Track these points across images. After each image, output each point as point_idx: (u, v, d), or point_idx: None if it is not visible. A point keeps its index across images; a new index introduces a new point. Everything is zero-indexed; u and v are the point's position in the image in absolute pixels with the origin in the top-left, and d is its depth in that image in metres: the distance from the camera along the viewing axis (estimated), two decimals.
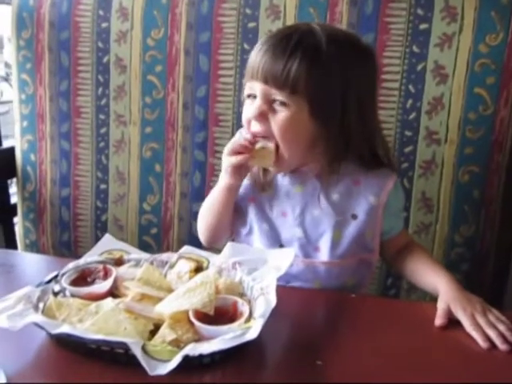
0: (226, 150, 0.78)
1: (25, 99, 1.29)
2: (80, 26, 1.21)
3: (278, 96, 0.72)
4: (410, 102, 1.06)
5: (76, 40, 1.22)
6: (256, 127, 0.75)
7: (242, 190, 0.85)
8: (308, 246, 0.81)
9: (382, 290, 1.15)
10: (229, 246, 0.75)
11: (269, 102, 0.74)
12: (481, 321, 0.64)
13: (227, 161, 0.77)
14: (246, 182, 0.84)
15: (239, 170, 0.79)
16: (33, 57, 1.26)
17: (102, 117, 1.23)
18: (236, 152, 0.76)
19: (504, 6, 1.00)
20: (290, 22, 1.09)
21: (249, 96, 0.77)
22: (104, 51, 1.20)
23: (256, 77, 0.73)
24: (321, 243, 0.80)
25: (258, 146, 0.76)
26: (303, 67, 0.70)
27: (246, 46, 1.12)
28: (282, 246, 0.82)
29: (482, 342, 0.62)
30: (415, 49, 1.04)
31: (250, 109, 0.76)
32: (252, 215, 0.84)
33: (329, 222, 0.79)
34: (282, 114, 0.73)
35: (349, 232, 0.79)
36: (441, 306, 0.69)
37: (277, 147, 0.75)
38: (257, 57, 0.74)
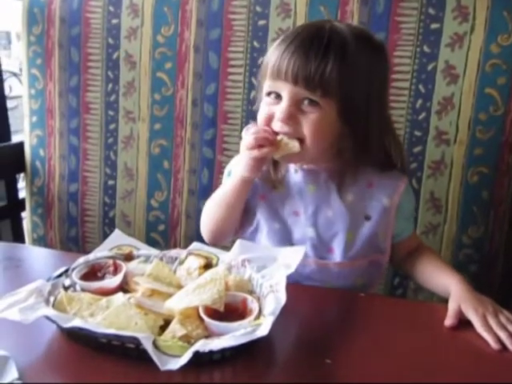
0: (247, 143, 0.74)
1: (34, 94, 1.29)
2: (90, 22, 1.21)
3: (310, 97, 0.71)
4: (419, 101, 1.06)
5: (86, 36, 1.22)
6: (282, 128, 0.73)
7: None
8: (320, 247, 0.80)
9: (389, 290, 1.15)
10: (238, 244, 0.75)
11: (297, 103, 0.72)
12: (492, 322, 0.64)
13: (248, 154, 0.74)
14: (255, 179, 0.83)
15: (260, 164, 0.77)
16: (43, 52, 1.26)
17: (111, 113, 1.24)
18: (258, 145, 0.74)
19: None
20: (301, 20, 1.09)
21: (269, 94, 0.75)
22: (114, 47, 1.21)
23: (284, 77, 0.71)
24: (334, 244, 0.80)
25: (280, 139, 0.74)
26: (335, 68, 0.69)
27: (255, 43, 1.12)
28: (292, 245, 0.81)
29: (493, 344, 0.61)
30: (426, 48, 1.04)
31: (274, 109, 0.74)
32: (262, 213, 0.83)
33: (342, 223, 0.79)
34: (313, 116, 0.72)
35: (362, 233, 0.79)
36: (452, 306, 0.68)
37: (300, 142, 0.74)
38: (282, 56, 0.72)
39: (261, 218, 0.83)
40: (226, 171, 0.91)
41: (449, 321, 0.66)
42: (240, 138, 1.15)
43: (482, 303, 0.68)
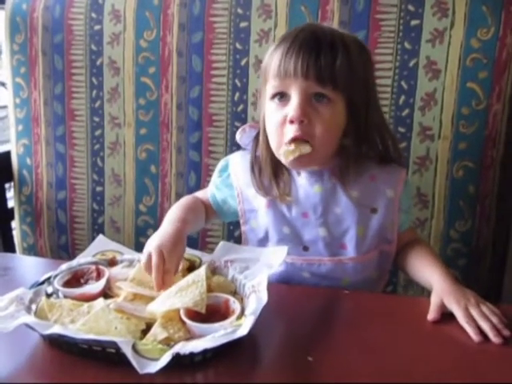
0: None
1: (19, 103, 1.29)
2: (73, 29, 1.21)
3: (321, 91, 0.72)
4: (402, 98, 1.06)
5: (69, 43, 1.22)
6: (297, 131, 0.72)
7: (251, 200, 0.83)
8: (333, 245, 0.81)
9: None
10: (221, 245, 0.75)
11: (307, 99, 0.72)
12: (474, 313, 0.64)
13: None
14: (253, 192, 0.82)
15: None
16: (27, 61, 1.26)
17: (96, 119, 1.24)
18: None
19: (495, 0, 1.00)
20: (282, 20, 1.09)
21: (274, 96, 0.75)
22: (97, 54, 1.21)
23: (293, 73, 0.71)
24: (346, 240, 0.80)
25: (293, 150, 0.73)
26: (343, 63, 0.71)
27: (238, 45, 1.12)
28: (305, 247, 0.81)
29: (474, 336, 0.62)
30: (407, 45, 1.04)
31: (284, 112, 0.73)
32: (269, 220, 0.81)
33: (351, 219, 0.79)
34: (325, 110, 0.73)
35: (372, 226, 0.80)
36: (434, 300, 0.69)
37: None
38: (287, 55, 0.72)
39: (269, 226, 0.82)
40: (219, 167, 0.90)
41: (431, 315, 0.66)
42: (225, 140, 1.17)
43: (464, 295, 0.68)
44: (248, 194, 0.84)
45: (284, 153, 0.74)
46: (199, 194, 0.93)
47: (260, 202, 0.82)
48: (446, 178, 1.07)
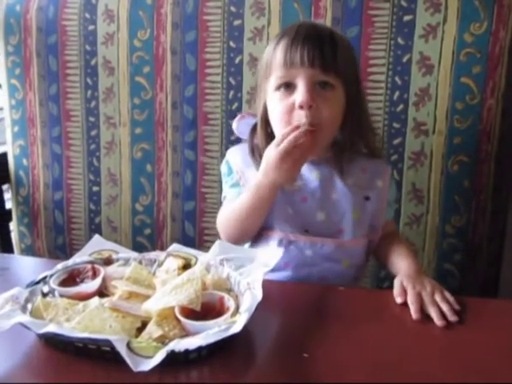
0: (285, 148, 0.73)
1: (15, 104, 1.29)
2: (67, 29, 1.21)
3: (325, 79, 0.76)
4: (396, 93, 1.07)
5: (63, 44, 1.22)
6: (305, 116, 0.75)
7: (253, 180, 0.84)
8: (331, 228, 0.83)
9: (376, 283, 1.15)
10: (217, 244, 0.75)
11: (312, 87, 0.76)
12: (426, 299, 0.67)
13: (288, 159, 0.73)
14: (254, 172, 0.83)
15: (302, 164, 0.78)
16: (21, 62, 1.26)
17: (91, 119, 1.24)
18: (295, 146, 0.73)
19: None
20: (275, 18, 1.09)
21: (280, 86, 0.78)
22: (91, 54, 1.21)
23: (299, 62, 0.75)
24: (343, 224, 0.83)
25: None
26: (343, 53, 0.78)
27: (231, 43, 1.12)
28: (306, 231, 0.83)
29: (413, 313, 0.65)
30: (400, 41, 1.04)
31: (290, 100, 0.77)
32: (277, 200, 0.82)
33: (347, 204, 0.83)
34: (331, 95, 0.77)
35: (366, 212, 0.84)
36: (396, 282, 0.72)
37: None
38: (291, 46, 0.76)
39: (275, 205, 0.82)
40: (224, 168, 0.91)
41: (398, 299, 0.69)
42: (221, 138, 1.17)
43: (421, 282, 0.71)
44: (249, 174, 0.85)
45: None
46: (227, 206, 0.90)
47: None
48: (441, 172, 1.08)
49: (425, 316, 0.66)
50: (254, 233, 0.84)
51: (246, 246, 0.87)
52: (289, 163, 0.74)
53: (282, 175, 0.75)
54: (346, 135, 0.83)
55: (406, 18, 1.03)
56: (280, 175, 0.75)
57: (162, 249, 1.19)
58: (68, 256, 1.29)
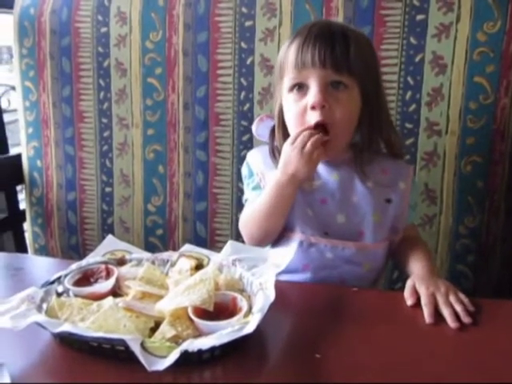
0: (303, 143, 0.75)
1: (29, 106, 1.31)
2: (80, 31, 1.23)
3: (337, 79, 0.75)
4: (409, 93, 1.06)
5: (77, 46, 1.23)
6: (319, 117, 0.75)
7: None
8: (352, 231, 0.82)
9: (388, 284, 1.14)
10: (229, 244, 0.75)
11: (325, 87, 0.76)
12: (440, 300, 0.66)
13: (308, 155, 0.75)
14: None
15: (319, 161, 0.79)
16: (35, 64, 1.28)
17: (104, 120, 1.25)
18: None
19: None
20: (287, 18, 1.09)
21: (293, 87, 0.78)
22: (104, 56, 1.22)
23: (311, 63, 0.75)
24: (363, 227, 0.82)
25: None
26: (357, 52, 0.76)
27: (243, 44, 1.12)
28: (326, 233, 0.82)
29: (427, 317, 0.64)
30: (412, 40, 1.04)
31: (303, 102, 0.77)
32: (297, 202, 0.82)
33: (368, 207, 0.82)
34: (344, 96, 0.76)
35: (387, 215, 0.83)
36: (408, 283, 0.71)
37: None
38: (303, 47, 0.76)
39: (294, 207, 0.82)
40: (244, 171, 0.91)
41: (409, 301, 0.68)
42: (232, 139, 1.17)
43: (435, 283, 0.70)
44: (270, 176, 0.84)
45: None
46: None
47: None
48: (454, 173, 1.07)
49: (437, 317, 0.65)
50: (277, 233, 0.84)
51: (267, 247, 0.86)
52: (305, 158, 0.75)
53: (300, 170, 0.76)
54: (364, 135, 0.81)
55: (419, 17, 1.03)
56: (298, 170, 0.76)
57: (174, 249, 1.20)
58: (81, 256, 1.31)
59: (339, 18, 1.06)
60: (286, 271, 0.67)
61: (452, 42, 1.02)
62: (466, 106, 1.04)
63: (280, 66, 0.82)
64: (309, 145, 0.75)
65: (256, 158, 0.89)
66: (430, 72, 1.04)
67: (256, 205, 0.83)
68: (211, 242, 1.22)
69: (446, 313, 0.64)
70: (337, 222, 0.82)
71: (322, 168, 0.83)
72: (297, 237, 0.83)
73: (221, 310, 0.61)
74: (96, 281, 0.69)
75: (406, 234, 0.87)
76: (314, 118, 0.76)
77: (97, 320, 0.55)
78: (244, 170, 0.92)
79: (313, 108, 0.76)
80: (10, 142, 1.41)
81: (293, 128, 0.80)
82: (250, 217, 0.84)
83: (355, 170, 0.82)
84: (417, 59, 1.04)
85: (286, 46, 0.81)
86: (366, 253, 0.82)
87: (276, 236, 0.84)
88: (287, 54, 0.79)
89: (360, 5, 1.05)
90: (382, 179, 0.83)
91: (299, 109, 0.77)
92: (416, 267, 0.79)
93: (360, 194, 0.82)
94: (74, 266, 0.71)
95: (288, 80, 0.79)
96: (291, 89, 0.79)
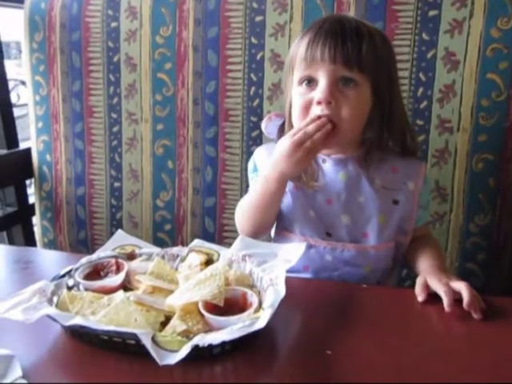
0: (298, 138, 0.73)
1: (39, 100, 1.31)
2: (90, 26, 1.22)
3: (347, 74, 0.74)
4: (420, 90, 1.05)
5: (87, 40, 1.23)
6: (323, 111, 0.74)
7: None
8: (355, 233, 0.82)
9: (397, 282, 1.14)
10: (239, 240, 0.75)
11: (334, 82, 0.74)
12: (454, 285, 0.66)
13: (299, 149, 0.73)
14: None
15: (313, 156, 0.77)
16: (45, 59, 1.28)
17: (114, 115, 1.25)
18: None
19: None
20: (298, 13, 1.09)
21: (302, 81, 0.77)
22: (114, 50, 1.22)
23: (320, 58, 0.74)
24: (368, 229, 0.81)
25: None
26: (369, 48, 0.74)
27: (253, 40, 1.12)
28: (328, 234, 0.82)
29: (447, 306, 0.64)
30: (425, 36, 1.03)
31: (310, 96, 0.76)
32: (297, 203, 0.82)
33: (374, 208, 0.81)
34: (352, 92, 0.75)
35: (393, 216, 0.81)
36: (418, 280, 0.71)
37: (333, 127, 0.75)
38: (314, 42, 0.75)
39: (296, 208, 0.83)
40: (250, 165, 0.92)
41: (419, 297, 0.68)
42: (241, 134, 1.17)
43: (446, 275, 0.70)
44: (264, 170, 0.84)
45: None
46: None
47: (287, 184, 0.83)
48: (465, 170, 1.06)
49: (448, 314, 0.65)
50: (268, 226, 0.84)
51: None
52: (300, 153, 0.73)
53: (291, 166, 0.74)
54: (375, 133, 0.79)
55: (431, 12, 1.01)
56: (289, 166, 0.74)
57: (183, 244, 1.20)
58: (90, 250, 1.32)
59: (351, 14, 1.05)
60: (287, 270, 0.67)
61: (465, 38, 1.01)
62: (478, 102, 1.03)
63: (290, 61, 0.81)
64: (307, 141, 0.73)
65: (262, 155, 0.89)
66: (442, 68, 1.03)
67: (247, 197, 0.83)
68: (219, 238, 1.22)
69: (464, 293, 0.64)
70: (341, 223, 0.81)
71: (329, 166, 0.82)
72: (296, 238, 0.82)
73: (231, 306, 0.60)
74: (106, 275, 0.69)
75: (417, 233, 0.86)
76: (317, 111, 0.75)
77: (108, 313, 0.55)
78: (250, 165, 0.92)
79: (318, 103, 0.75)
80: (19, 136, 1.41)
81: (296, 121, 0.79)
82: (241, 208, 0.85)
83: (363, 169, 0.81)
84: (429, 55, 1.03)
85: (297, 40, 0.80)
86: (367, 254, 0.81)
87: (267, 230, 0.85)
88: (298, 48, 0.78)
89: (372, 0, 1.04)
90: (390, 178, 0.82)
91: (305, 102, 0.76)
92: (426, 265, 0.78)
93: (367, 194, 0.81)
94: (85, 259, 0.71)
95: (297, 73, 0.78)
96: (300, 82, 0.78)
